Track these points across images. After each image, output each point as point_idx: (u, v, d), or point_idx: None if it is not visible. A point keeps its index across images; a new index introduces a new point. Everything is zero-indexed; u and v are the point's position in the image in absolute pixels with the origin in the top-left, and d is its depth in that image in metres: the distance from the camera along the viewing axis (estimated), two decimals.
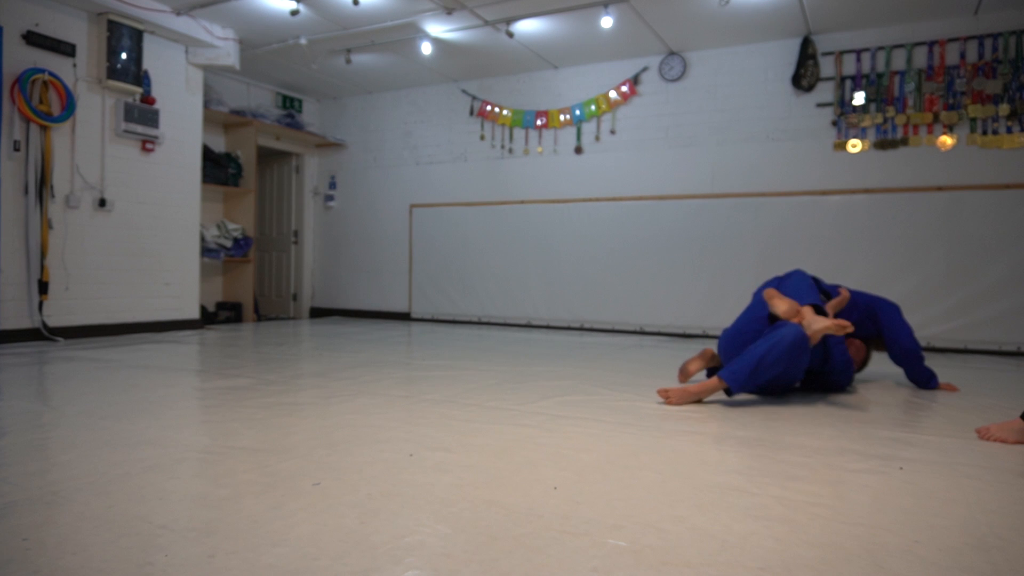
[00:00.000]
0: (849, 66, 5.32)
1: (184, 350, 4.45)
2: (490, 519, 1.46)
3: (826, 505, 1.58)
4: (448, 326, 6.55)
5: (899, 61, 5.16)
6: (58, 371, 3.48)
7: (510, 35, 5.37)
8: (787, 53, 5.50)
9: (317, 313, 7.71)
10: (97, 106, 5.03)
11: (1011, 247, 4.72)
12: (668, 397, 2.78)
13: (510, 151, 6.63)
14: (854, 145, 5.26)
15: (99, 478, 1.71)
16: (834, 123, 5.34)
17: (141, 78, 5.22)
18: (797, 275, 3.10)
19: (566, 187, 6.36)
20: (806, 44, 5.37)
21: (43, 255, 4.67)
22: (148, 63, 5.32)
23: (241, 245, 6.57)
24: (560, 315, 6.37)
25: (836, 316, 3.09)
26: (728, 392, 2.77)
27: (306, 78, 6.88)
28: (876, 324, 3.26)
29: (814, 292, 2.96)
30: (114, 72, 5.00)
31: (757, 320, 3.00)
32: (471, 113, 6.81)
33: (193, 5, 5.17)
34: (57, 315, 4.80)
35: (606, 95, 6.19)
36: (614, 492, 1.66)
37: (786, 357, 2.68)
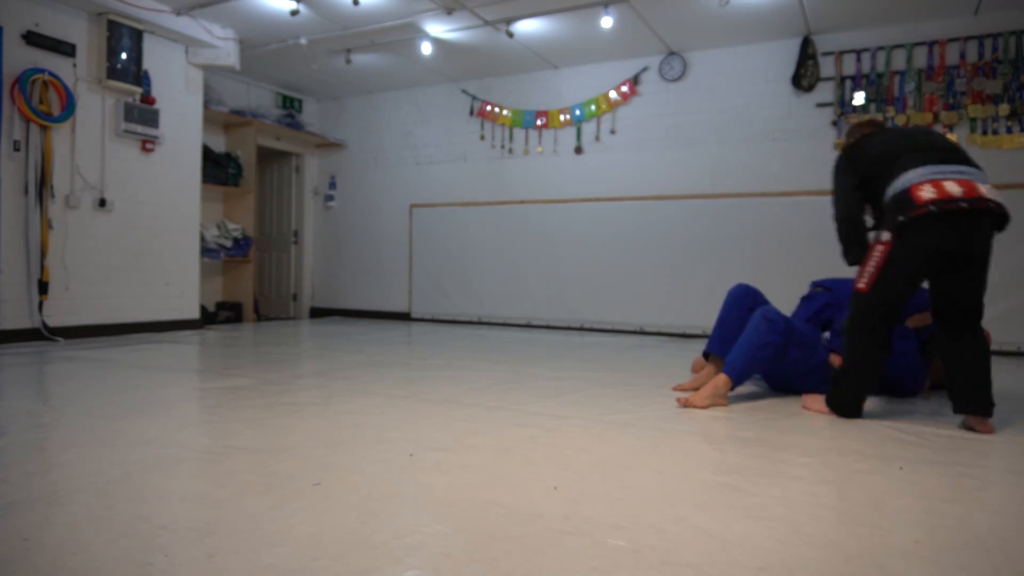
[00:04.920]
0: (849, 66, 5.32)
1: (184, 350, 4.45)
2: (490, 519, 1.46)
3: (826, 505, 1.58)
4: (448, 326, 6.55)
5: (899, 61, 5.16)
6: (58, 371, 3.48)
7: (510, 35, 5.37)
8: (787, 53, 5.50)
9: (317, 313, 7.71)
10: (97, 106, 5.03)
11: (1011, 247, 4.71)
12: (688, 402, 2.72)
13: (510, 151, 6.63)
14: None
15: (99, 478, 1.71)
16: (834, 123, 5.34)
17: (141, 78, 5.22)
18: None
19: (566, 187, 6.36)
20: (806, 44, 5.37)
21: (43, 255, 4.67)
22: (148, 63, 5.32)
23: (241, 245, 6.57)
24: (560, 315, 6.37)
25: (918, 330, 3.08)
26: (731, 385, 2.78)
27: (306, 78, 6.88)
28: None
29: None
30: (114, 72, 5.00)
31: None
32: (471, 113, 6.81)
33: (193, 5, 5.17)
34: (57, 315, 4.80)
35: (606, 95, 6.19)
36: (614, 492, 1.66)
37: (766, 336, 2.73)
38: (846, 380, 2.55)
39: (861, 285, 2.45)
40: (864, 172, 2.52)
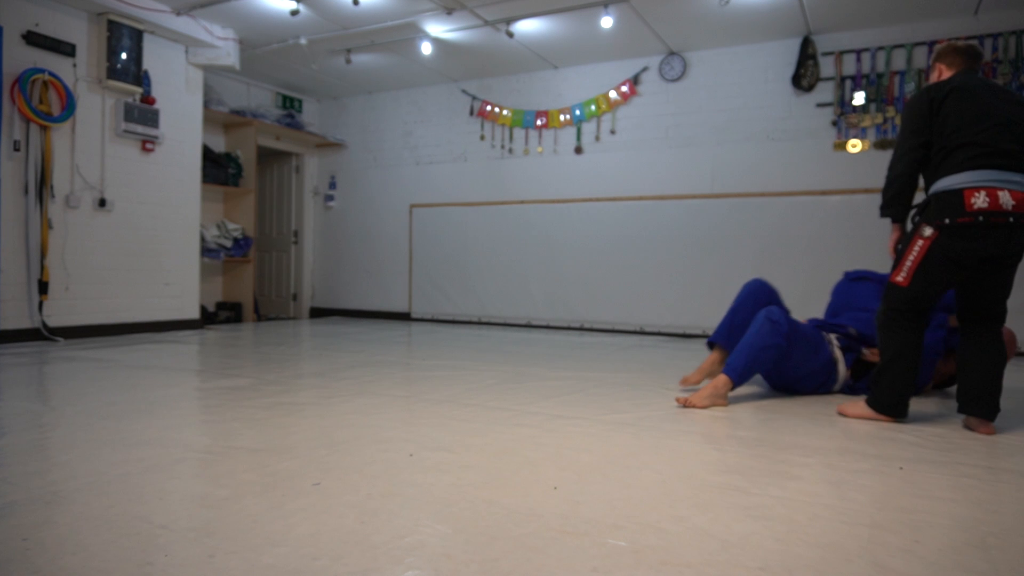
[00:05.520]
0: (849, 66, 5.32)
1: (184, 350, 4.45)
2: (490, 519, 1.46)
3: (826, 505, 1.58)
4: (448, 326, 6.55)
5: (899, 61, 5.17)
6: (58, 371, 3.48)
7: (510, 35, 5.37)
8: (787, 53, 5.50)
9: (317, 313, 7.71)
10: (97, 106, 5.03)
11: None
12: (688, 402, 2.73)
13: (510, 151, 6.63)
14: (854, 145, 5.26)
15: (99, 478, 1.71)
16: (834, 123, 5.34)
17: (141, 78, 5.22)
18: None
19: (566, 187, 6.36)
20: (806, 44, 5.37)
21: (43, 255, 4.67)
22: (148, 63, 5.32)
23: (241, 245, 6.57)
24: (560, 315, 6.37)
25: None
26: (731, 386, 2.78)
27: (306, 78, 6.87)
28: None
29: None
30: (114, 72, 5.00)
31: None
32: (471, 113, 6.81)
33: (193, 5, 5.17)
34: (57, 315, 4.80)
35: (606, 95, 6.19)
36: (614, 492, 1.66)
37: (769, 338, 2.72)
38: (886, 377, 2.48)
39: (900, 279, 2.42)
40: (935, 136, 2.44)
